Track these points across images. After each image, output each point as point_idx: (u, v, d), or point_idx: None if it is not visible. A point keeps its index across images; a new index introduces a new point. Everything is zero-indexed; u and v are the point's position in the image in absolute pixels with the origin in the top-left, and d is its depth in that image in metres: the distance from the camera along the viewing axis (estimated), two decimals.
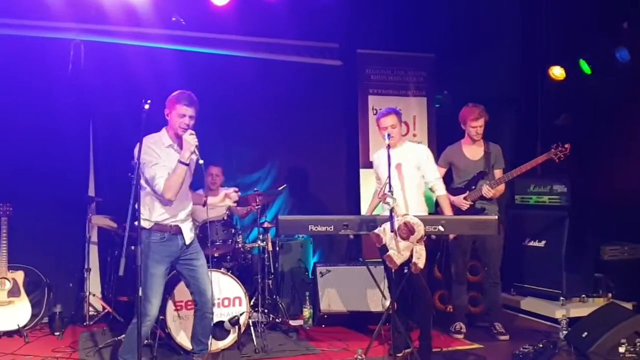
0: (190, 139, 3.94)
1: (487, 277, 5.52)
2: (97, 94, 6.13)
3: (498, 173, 5.37)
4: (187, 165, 3.96)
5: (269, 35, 6.76)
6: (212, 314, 4.33)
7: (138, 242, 3.95)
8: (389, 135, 4.51)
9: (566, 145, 5.13)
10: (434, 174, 4.82)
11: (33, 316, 5.52)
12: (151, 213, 4.06)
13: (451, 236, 4.80)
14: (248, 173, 6.78)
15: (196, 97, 4.11)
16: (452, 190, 5.36)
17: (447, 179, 5.50)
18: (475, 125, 5.32)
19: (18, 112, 5.85)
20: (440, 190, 4.85)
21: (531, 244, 6.25)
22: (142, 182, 4.01)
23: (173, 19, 6.08)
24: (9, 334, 5.35)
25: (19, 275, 5.50)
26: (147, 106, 3.87)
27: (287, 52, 6.91)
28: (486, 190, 5.21)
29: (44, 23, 5.92)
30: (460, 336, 5.42)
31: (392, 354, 4.44)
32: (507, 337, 5.37)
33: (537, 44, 7.09)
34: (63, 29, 5.99)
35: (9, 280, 5.41)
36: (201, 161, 3.96)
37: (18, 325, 5.33)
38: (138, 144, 3.89)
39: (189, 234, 4.20)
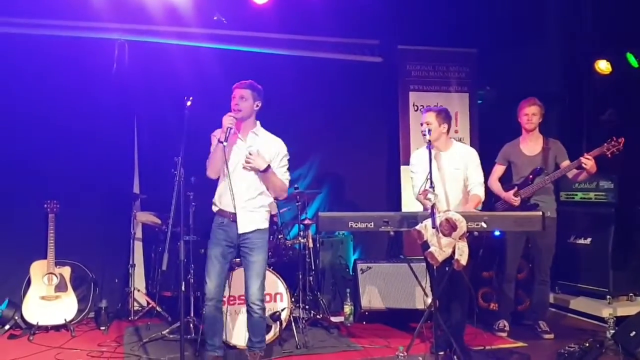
0: (225, 120, 4.07)
1: (537, 276, 5.42)
2: (141, 93, 6.24)
3: (566, 163, 5.25)
4: (222, 143, 4.04)
5: (309, 33, 6.77)
6: (256, 313, 4.29)
7: (181, 238, 4.03)
8: (429, 131, 4.45)
9: (620, 140, 4.97)
10: (478, 178, 4.67)
11: (79, 311, 5.64)
12: (215, 197, 4.32)
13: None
14: (289, 170, 6.79)
15: (257, 84, 4.36)
16: (508, 187, 5.33)
17: (507, 176, 5.43)
18: (528, 113, 5.26)
19: (65, 112, 5.99)
20: (477, 191, 4.65)
21: (577, 241, 6.12)
22: None
23: (214, 17, 6.14)
24: (56, 328, 5.48)
25: (66, 271, 5.64)
26: (189, 103, 3.93)
27: (327, 50, 6.91)
28: (585, 160, 4.98)
29: (88, 24, 6.04)
30: (504, 334, 5.35)
31: (434, 352, 4.39)
32: (551, 336, 5.27)
33: (582, 37, 6.90)
34: (107, 29, 6.10)
35: (56, 276, 5.54)
36: (225, 143, 4.05)
37: (65, 320, 5.46)
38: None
39: (245, 224, 4.23)
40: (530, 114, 5.28)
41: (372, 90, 7.05)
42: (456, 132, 6.88)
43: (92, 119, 6.06)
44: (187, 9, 5.99)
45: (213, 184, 4.26)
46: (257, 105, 4.30)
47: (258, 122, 4.42)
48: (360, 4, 6.42)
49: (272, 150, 4.34)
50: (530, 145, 5.38)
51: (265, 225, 4.36)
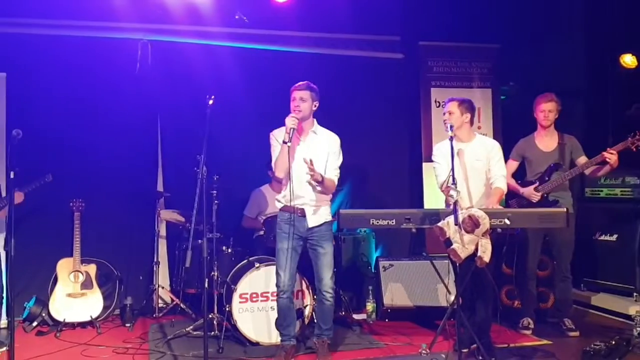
0: (288, 121, 4.26)
1: (558, 272, 5.37)
2: (164, 92, 6.29)
3: (582, 160, 5.21)
4: (286, 144, 4.22)
5: (330, 30, 6.76)
6: (328, 301, 4.56)
7: (204, 236, 4.06)
8: (451, 126, 4.42)
9: None
10: (501, 170, 4.61)
11: (105, 308, 5.72)
12: (281, 194, 4.54)
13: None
14: None
15: (313, 85, 4.53)
16: (526, 183, 5.27)
17: (521, 172, 5.38)
18: (544, 109, 5.21)
19: (89, 112, 6.07)
20: (500, 184, 4.57)
21: (602, 238, 6.05)
22: None
23: (236, 17, 6.18)
24: (82, 325, 5.57)
25: (92, 269, 5.72)
26: (211, 102, 3.96)
27: (348, 47, 6.90)
28: (608, 154, 4.92)
29: (112, 24, 6.12)
30: (528, 332, 5.30)
31: (457, 349, 4.37)
32: (577, 333, 5.22)
33: (606, 31, 6.79)
34: (130, 29, 6.18)
35: (82, 273, 5.62)
36: (289, 144, 4.23)
37: (91, 317, 5.54)
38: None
39: (313, 218, 4.48)
40: (547, 110, 5.22)
41: (394, 86, 7.02)
42: (479, 128, 6.80)
43: (116, 118, 6.14)
44: (209, 8, 6.04)
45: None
46: (315, 105, 4.52)
47: (315, 120, 4.61)
48: (381, 1, 6.39)
49: (333, 146, 4.60)
50: (546, 140, 5.32)
51: (330, 217, 4.64)
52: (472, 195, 4.51)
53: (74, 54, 6.02)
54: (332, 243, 4.63)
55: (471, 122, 4.67)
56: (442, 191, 4.50)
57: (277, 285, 4.51)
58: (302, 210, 4.47)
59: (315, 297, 4.77)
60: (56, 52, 5.97)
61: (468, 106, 4.63)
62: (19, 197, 4.48)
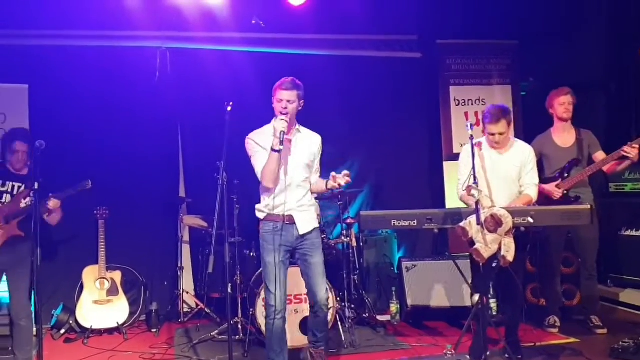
0: (279, 125, 3.91)
1: (583, 270, 5.31)
2: (183, 99, 6.36)
3: (600, 155, 5.15)
4: (278, 152, 3.89)
5: (346, 31, 6.77)
6: (325, 312, 4.20)
7: (226, 240, 4.08)
8: (471, 125, 4.36)
9: None
10: (534, 179, 4.50)
11: (131, 314, 5.78)
12: (262, 203, 4.12)
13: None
14: (330, 169, 6.77)
15: (298, 82, 4.13)
16: (544, 180, 5.20)
17: (539, 169, 5.33)
18: (564, 102, 5.17)
19: (110, 121, 6.15)
20: (531, 192, 4.46)
21: (628, 233, 5.97)
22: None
23: (253, 22, 6.21)
24: (109, 331, 5.64)
25: (117, 275, 5.78)
26: (229, 108, 3.98)
27: (365, 48, 6.90)
28: (628, 149, 4.84)
29: (131, 33, 6.20)
30: (555, 330, 5.26)
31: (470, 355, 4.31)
32: (604, 331, 5.16)
33: (626, 23, 6.70)
34: (149, 37, 6.25)
35: (107, 280, 5.69)
36: (281, 147, 3.87)
37: (117, 323, 5.61)
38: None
39: (304, 225, 4.10)
40: (567, 102, 5.18)
41: (412, 86, 7.00)
42: None
43: (137, 126, 6.22)
44: (225, 14, 6.08)
45: (256, 187, 4.26)
46: (301, 105, 4.16)
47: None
48: (398, 0, 6.38)
49: (317, 145, 4.28)
50: (564, 136, 5.26)
51: (317, 223, 4.28)
52: (501, 203, 4.44)
53: (94, 64, 6.10)
54: (322, 250, 4.25)
55: None
56: (461, 197, 4.47)
57: (270, 305, 4.02)
58: (290, 217, 4.07)
59: (313, 309, 4.21)
60: (77, 62, 6.05)
61: (511, 118, 4.47)
62: (55, 204, 4.52)
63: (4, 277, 4.59)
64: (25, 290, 4.56)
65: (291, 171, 4.09)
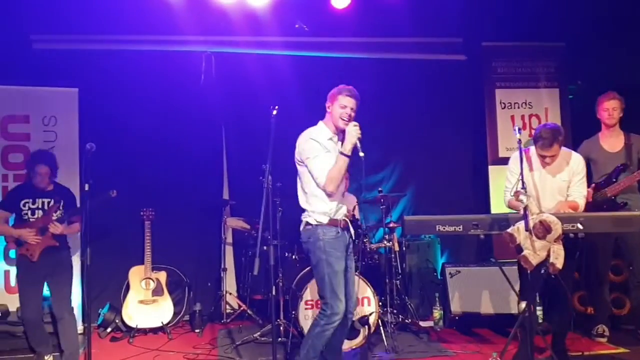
0: (354, 130, 3.89)
1: (632, 278, 5.16)
2: (227, 103, 6.44)
3: None
4: (349, 157, 3.88)
5: (390, 34, 6.73)
6: (352, 316, 4.21)
7: (270, 242, 4.09)
8: (519, 129, 4.28)
9: None
10: (582, 191, 4.39)
11: (175, 314, 5.87)
12: (323, 207, 3.97)
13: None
14: (372, 173, 6.79)
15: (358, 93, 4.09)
16: (597, 185, 5.09)
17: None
18: (608, 107, 5.05)
19: (157, 124, 6.26)
20: (578, 200, 4.34)
21: None
22: (306, 177, 3.99)
23: (296, 26, 6.23)
24: (154, 330, 5.73)
25: (162, 276, 5.87)
26: (275, 112, 3.99)
27: (408, 50, 6.86)
28: None
29: (177, 37, 6.30)
30: (603, 339, 5.12)
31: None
32: None
33: None
34: (195, 42, 6.34)
35: (153, 281, 5.79)
36: (362, 154, 3.86)
37: (162, 323, 5.69)
38: (300, 139, 3.98)
39: (352, 230, 4.15)
40: (611, 108, 5.05)
41: (456, 89, 6.93)
42: None
43: (182, 129, 6.32)
44: (269, 19, 6.11)
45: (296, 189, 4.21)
46: None
47: None
48: (442, 2, 6.31)
49: None
50: (612, 141, 5.13)
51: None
52: (542, 203, 4.36)
53: (142, 68, 6.22)
54: None
55: None
56: (508, 203, 4.39)
57: (336, 313, 3.88)
58: (346, 223, 4.08)
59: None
60: (125, 66, 6.19)
61: (563, 137, 4.32)
62: (55, 230, 4.74)
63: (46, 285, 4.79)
64: (68, 293, 4.80)
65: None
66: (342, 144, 3.95)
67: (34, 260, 4.66)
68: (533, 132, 4.50)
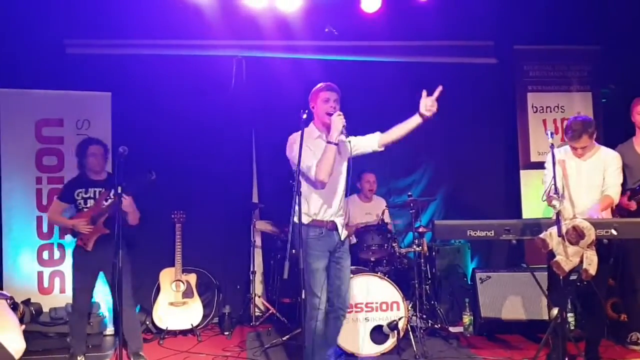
0: (338, 119, 3.96)
1: None
2: (257, 106, 6.47)
3: None
4: (336, 144, 3.93)
5: (420, 38, 6.71)
6: (345, 317, 4.22)
7: (297, 241, 4.09)
8: (552, 133, 4.24)
9: None
10: (615, 179, 4.41)
11: (205, 316, 5.92)
12: (309, 207, 4.05)
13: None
14: (402, 177, 6.76)
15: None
16: (631, 192, 4.98)
17: None
18: None
19: (188, 127, 6.33)
20: (611, 192, 4.38)
21: None
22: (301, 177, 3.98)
23: (326, 30, 6.25)
24: (184, 332, 5.78)
25: (192, 278, 5.92)
26: (304, 116, 4.00)
27: (439, 54, 6.81)
28: None
29: (208, 42, 6.37)
30: (638, 347, 5.01)
31: None
32: None
33: None
34: (225, 46, 6.40)
35: (183, 283, 5.84)
36: (348, 139, 3.95)
37: (192, 325, 5.74)
38: (288, 145, 4.05)
39: (343, 231, 4.15)
40: None
41: (487, 92, 6.87)
42: None
43: (213, 133, 6.38)
44: (299, 23, 6.14)
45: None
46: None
47: None
48: (473, 5, 6.26)
49: (349, 150, 4.20)
50: None
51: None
52: (583, 210, 4.31)
53: (173, 72, 6.29)
54: None
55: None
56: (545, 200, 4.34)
57: (316, 308, 4.00)
58: (333, 223, 4.08)
59: (335, 313, 4.15)
60: (156, 70, 6.26)
61: (594, 130, 4.37)
62: (127, 201, 4.67)
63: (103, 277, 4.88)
64: (127, 282, 4.78)
65: (337, 176, 4.10)
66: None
67: (88, 250, 4.73)
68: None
